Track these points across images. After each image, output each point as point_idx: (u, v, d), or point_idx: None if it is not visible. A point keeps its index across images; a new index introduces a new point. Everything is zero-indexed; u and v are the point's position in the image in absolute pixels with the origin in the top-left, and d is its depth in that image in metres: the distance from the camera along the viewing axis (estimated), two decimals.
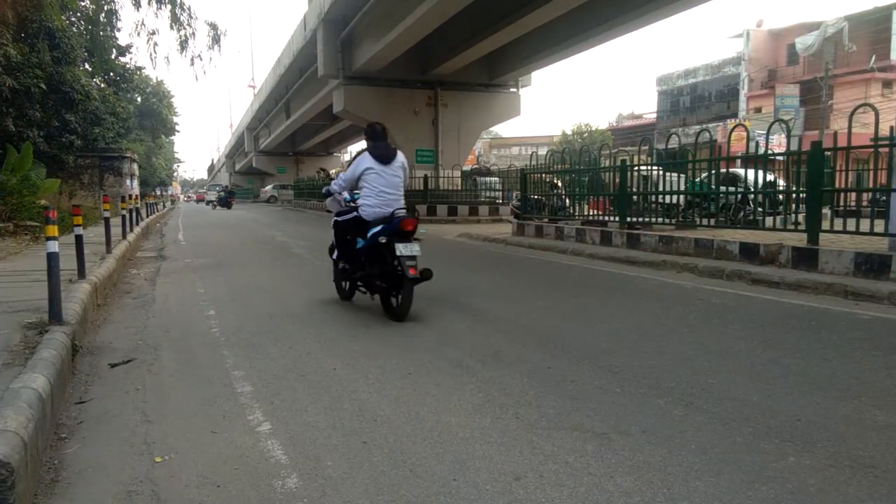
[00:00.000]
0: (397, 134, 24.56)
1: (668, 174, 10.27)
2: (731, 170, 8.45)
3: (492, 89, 25.28)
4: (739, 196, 9.61)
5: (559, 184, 12.85)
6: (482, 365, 3.81)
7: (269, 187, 52.36)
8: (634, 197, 10.29)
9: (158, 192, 46.96)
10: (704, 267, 7.36)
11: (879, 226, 6.81)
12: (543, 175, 13.07)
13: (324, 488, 2.33)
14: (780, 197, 8.97)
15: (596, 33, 18.41)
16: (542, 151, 14.98)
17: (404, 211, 5.35)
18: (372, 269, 5.29)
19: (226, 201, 35.67)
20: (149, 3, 13.61)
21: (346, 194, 5.75)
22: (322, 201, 5.99)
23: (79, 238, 6.39)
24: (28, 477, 2.21)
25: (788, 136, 8.10)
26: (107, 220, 9.19)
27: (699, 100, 37.90)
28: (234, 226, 20.10)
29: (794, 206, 8.10)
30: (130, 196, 17.81)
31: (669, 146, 13.50)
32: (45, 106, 16.56)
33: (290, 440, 2.76)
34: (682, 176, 10.23)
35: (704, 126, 19.80)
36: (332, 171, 37.02)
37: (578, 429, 2.82)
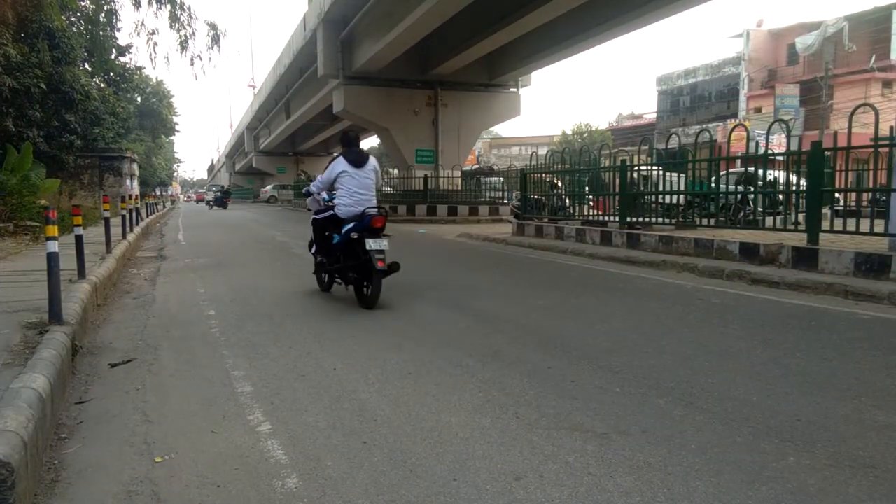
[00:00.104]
0: (397, 134, 24.58)
1: (668, 174, 10.27)
2: (748, 169, 8.38)
3: (492, 89, 25.27)
4: (740, 196, 9.62)
5: (559, 184, 12.85)
6: (482, 365, 3.81)
7: (269, 187, 52.40)
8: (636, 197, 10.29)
9: (158, 192, 46.99)
10: (704, 267, 7.36)
11: (879, 226, 6.80)
12: (543, 175, 13.07)
13: (324, 488, 2.33)
14: (780, 197, 8.97)
15: (596, 33, 18.41)
16: (542, 151, 14.98)
17: (375, 210, 5.86)
18: (346, 262, 5.87)
19: (221, 201, 36.86)
20: (149, 3, 13.61)
21: (324, 194, 6.24)
22: (304, 200, 6.86)
23: (79, 238, 6.39)
24: (28, 477, 2.21)
25: (788, 136, 8.10)
26: (107, 220, 9.19)
27: (699, 100, 37.90)
28: (234, 226, 20.10)
29: (794, 206, 8.09)
30: (130, 196, 17.82)
31: (669, 146, 13.50)
32: (45, 106, 16.56)
33: (290, 440, 2.76)
34: (682, 176, 10.23)
35: (704, 126, 19.80)
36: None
37: (578, 429, 2.82)
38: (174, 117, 52.25)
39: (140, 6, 13.69)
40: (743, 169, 8.66)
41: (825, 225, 7.06)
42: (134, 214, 14.21)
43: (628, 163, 10.29)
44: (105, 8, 15.04)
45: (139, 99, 44.79)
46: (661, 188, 10.18)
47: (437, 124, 24.74)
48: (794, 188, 7.70)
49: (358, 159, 6.04)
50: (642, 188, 10.33)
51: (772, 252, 7.19)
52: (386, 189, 27.83)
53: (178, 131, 56.22)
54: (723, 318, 5.01)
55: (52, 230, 4.37)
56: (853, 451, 2.52)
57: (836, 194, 8.32)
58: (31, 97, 15.22)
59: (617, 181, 10.23)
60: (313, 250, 6.60)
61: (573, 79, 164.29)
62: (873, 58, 29.84)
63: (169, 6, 13.57)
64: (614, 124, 54.99)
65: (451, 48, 20.88)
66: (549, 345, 4.25)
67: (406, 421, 2.95)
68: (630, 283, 6.92)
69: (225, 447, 2.71)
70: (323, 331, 4.85)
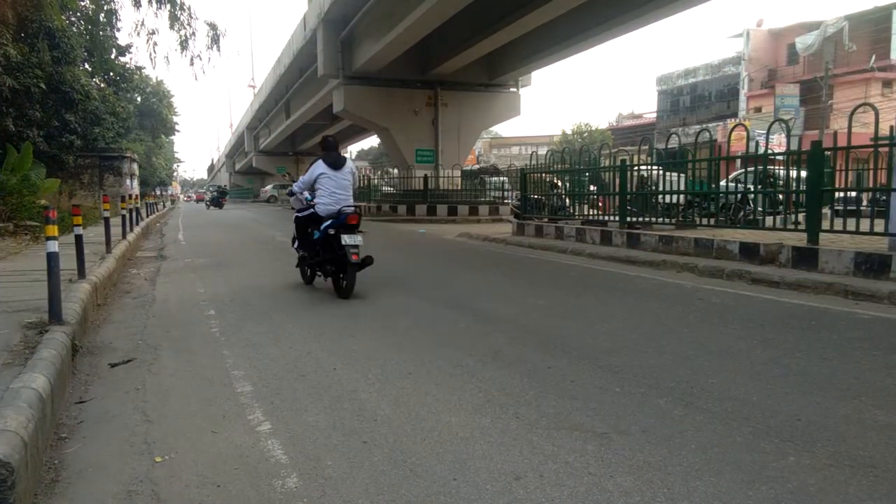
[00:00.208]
0: (397, 134, 24.57)
1: (668, 174, 10.26)
2: (767, 167, 8.30)
3: (492, 89, 25.27)
4: (739, 196, 9.62)
5: (559, 183, 12.85)
6: (482, 365, 3.81)
7: (268, 187, 52.45)
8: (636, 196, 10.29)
9: (158, 192, 46.99)
10: (704, 267, 7.36)
11: (879, 225, 6.80)
12: (543, 175, 13.07)
13: (324, 488, 2.33)
14: (780, 197, 8.97)
15: (596, 33, 18.41)
16: (542, 151, 14.98)
17: (351, 208, 6.37)
18: (324, 255, 6.40)
19: (217, 201, 37.59)
20: (149, 3, 13.60)
21: (306, 194, 6.72)
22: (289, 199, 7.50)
23: (79, 238, 6.39)
24: (28, 477, 2.21)
25: (788, 136, 8.10)
26: (107, 219, 9.19)
27: (699, 99, 37.90)
28: (234, 226, 20.10)
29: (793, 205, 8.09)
30: (130, 196, 17.81)
31: (669, 146, 13.50)
32: (45, 106, 16.55)
33: (290, 440, 2.76)
34: (682, 175, 10.23)
35: (704, 126, 19.80)
36: None
37: (578, 428, 2.82)
38: (174, 117, 52.26)
39: (140, 6, 13.69)
40: (761, 167, 8.54)
41: (825, 225, 7.06)
42: (134, 214, 14.21)
43: (628, 163, 10.29)
44: (105, 8, 15.04)
45: (139, 99, 44.78)
46: (661, 188, 10.18)
47: (437, 124, 24.74)
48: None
49: (336, 162, 6.55)
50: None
51: (772, 252, 7.19)
52: (386, 189, 27.86)
53: (178, 131, 56.27)
54: (723, 318, 5.01)
55: (52, 230, 4.37)
56: (853, 450, 2.52)
57: (838, 193, 8.31)
58: (31, 97, 15.22)
59: (617, 181, 10.22)
60: (296, 245, 7.15)
61: (573, 79, 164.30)
62: (873, 58, 29.85)
63: (169, 6, 13.57)
64: (614, 124, 55.00)
65: (451, 48, 20.88)
66: (549, 345, 4.25)
67: (406, 421, 2.95)
68: (630, 283, 6.92)
69: (225, 447, 2.71)
70: (323, 331, 4.85)
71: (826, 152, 7.29)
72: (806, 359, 3.81)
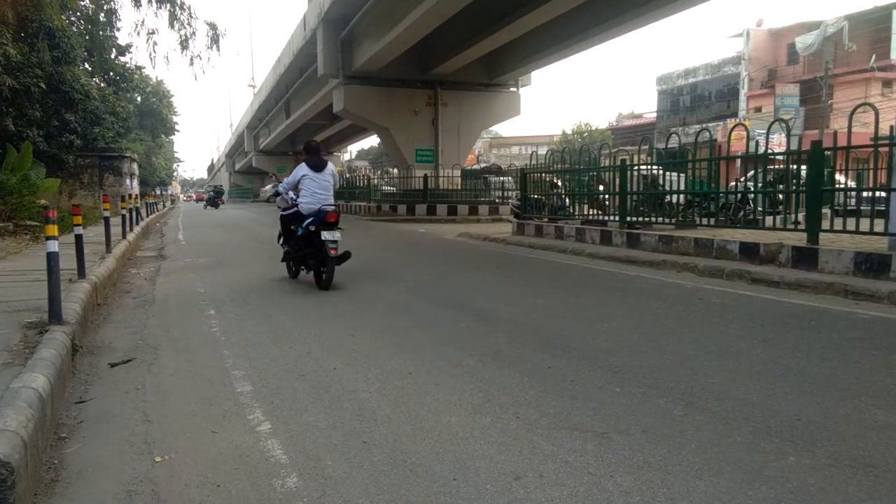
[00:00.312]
0: (397, 133, 24.57)
1: (668, 174, 10.26)
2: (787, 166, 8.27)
3: (492, 89, 25.27)
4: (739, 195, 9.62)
5: (559, 183, 12.85)
6: (482, 365, 3.81)
7: (268, 187, 52.48)
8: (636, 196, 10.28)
9: (158, 192, 46.99)
10: (704, 266, 7.36)
11: (879, 225, 6.80)
12: (543, 175, 13.07)
13: (324, 488, 2.33)
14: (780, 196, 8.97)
15: (595, 33, 18.40)
16: (542, 151, 14.98)
17: (331, 207, 6.89)
18: (306, 250, 6.92)
19: (213, 201, 38.40)
20: (148, 3, 13.61)
21: (291, 194, 7.19)
22: (275, 200, 8.10)
23: (78, 238, 6.39)
24: (28, 476, 2.21)
25: (788, 136, 8.09)
26: (106, 219, 9.19)
27: (699, 99, 37.89)
28: (234, 225, 20.10)
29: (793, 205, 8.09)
30: (130, 195, 17.81)
31: (669, 146, 13.50)
32: (45, 105, 16.55)
33: (289, 440, 2.76)
34: (682, 175, 10.22)
35: (704, 125, 19.80)
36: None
37: (578, 428, 2.81)
38: (174, 117, 52.28)
39: (140, 6, 13.70)
40: (781, 167, 8.47)
41: (825, 224, 7.06)
42: (134, 214, 14.21)
43: (628, 163, 10.28)
44: (105, 7, 15.03)
45: (139, 98, 44.80)
46: (661, 188, 10.18)
47: (437, 124, 24.74)
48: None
49: (318, 165, 7.04)
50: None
51: (772, 251, 7.19)
52: (386, 188, 27.85)
53: (177, 131, 56.34)
54: (723, 318, 5.01)
55: (52, 230, 4.37)
56: (853, 450, 2.52)
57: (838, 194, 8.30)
58: (31, 97, 15.22)
59: (617, 181, 10.22)
60: (281, 241, 7.66)
61: (573, 78, 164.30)
62: (873, 57, 29.84)
63: (168, 6, 13.58)
64: (614, 124, 54.99)
65: (451, 48, 20.88)
66: (548, 344, 4.25)
67: (406, 420, 2.95)
68: (630, 283, 6.92)
69: (225, 447, 2.71)
70: (323, 330, 4.85)
71: (826, 152, 7.28)
72: (806, 359, 3.81)
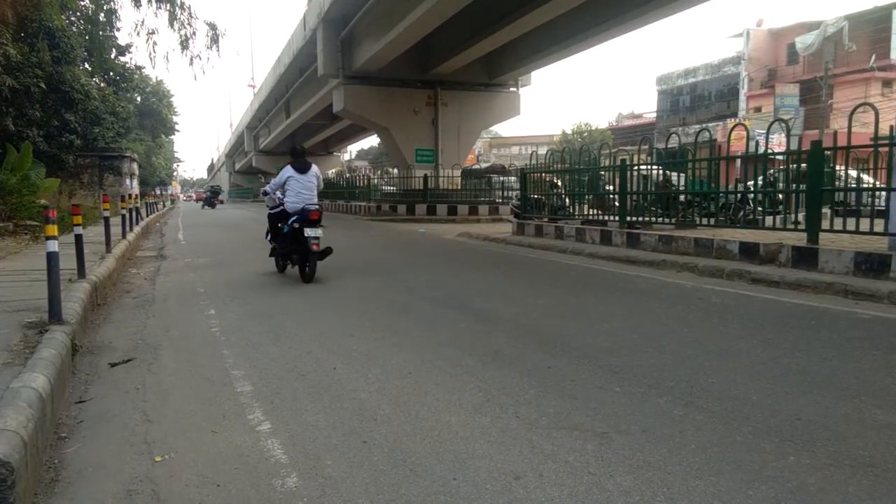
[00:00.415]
0: (397, 133, 24.57)
1: (667, 173, 10.26)
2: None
3: (492, 89, 25.27)
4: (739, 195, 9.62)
5: (559, 183, 12.85)
6: (482, 364, 3.81)
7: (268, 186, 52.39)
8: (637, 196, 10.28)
9: (158, 192, 47.00)
10: (704, 266, 7.36)
11: (879, 225, 6.81)
12: (543, 174, 13.07)
13: (324, 487, 2.33)
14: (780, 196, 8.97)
15: (595, 33, 18.41)
16: (542, 151, 14.98)
17: (314, 206, 7.41)
18: (291, 246, 7.41)
19: (210, 201, 39.21)
20: (148, 3, 13.61)
21: (278, 193, 7.75)
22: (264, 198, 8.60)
23: (78, 237, 6.39)
24: (28, 476, 2.21)
25: (788, 136, 8.09)
26: (106, 219, 9.19)
27: (699, 99, 37.89)
28: (234, 225, 20.10)
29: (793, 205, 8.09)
30: (130, 195, 17.81)
31: (669, 146, 13.49)
32: (45, 105, 16.55)
33: (289, 439, 2.76)
34: (682, 175, 10.22)
35: (704, 125, 19.80)
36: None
37: (578, 428, 2.82)
38: (174, 117, 52.28)
39: (140, 5, 13.70)
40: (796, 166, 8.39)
41: (825, 224, 7.06)
42: (134, 214, 14.21)
43: (628, 163, 10.28)
44: (105, 7, 15.03)
45: (139, 98, 44.80)
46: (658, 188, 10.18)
47: (436, 124, 24.75)
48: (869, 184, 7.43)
49: (302, 167, 7.58)
50: (642, 188, 10.29)
51: (771, 251, 7.19)
52: (386, 188, 27.85)
53: (177, 131, 56.35)
54: (723, 318, 5.01)
55: (52, 230, 4.38)
56: (853, 450, 2.52)
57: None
58: (31, 97, 15.22)
59: (617, 181, 10.22)
60: (269, 238, 8.17)
61: (573, 78, 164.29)
62: (873, 57, 29.84)
63: (168, 6, 13.57)
64: (614, 124, 54.99)
65: (451, 48, 20.88)
66: (548, 344, 4.25)
67: (406, 420, 2.95)
68: (630, 283, 6.92)
69: (225, 446, 2.71)
70: (323, 330, 4.85)
71: (826, 152, 7.28)
72: (806, 358, 3.81)
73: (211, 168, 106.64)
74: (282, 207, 7.63)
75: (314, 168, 7.76)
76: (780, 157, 9.51)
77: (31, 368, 3.01)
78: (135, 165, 28.68)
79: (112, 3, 14.74)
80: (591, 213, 11.45)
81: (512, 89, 25.68)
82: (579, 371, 3.64)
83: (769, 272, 6.68)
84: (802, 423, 2.81)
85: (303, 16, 25.42)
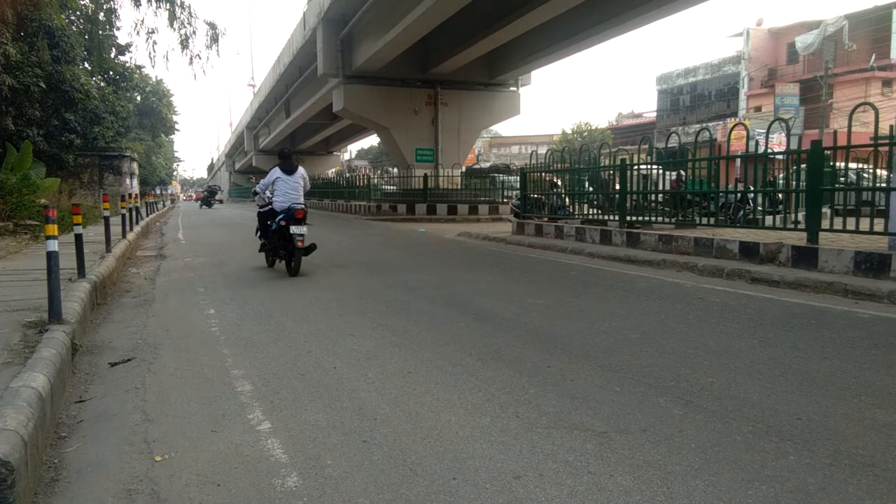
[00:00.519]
0: (397, 133, 24.57)
1: (667, 173, 10.26)
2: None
3: (492, 88, 25.27)
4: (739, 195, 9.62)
5: (559, 183, 12.85)
6: (482, 364, 3.81)
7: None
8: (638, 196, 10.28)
9: (158, 192, 46.99)
10: (704, 266, 7.36)
11: (879, 225, 6.81)
12: (543, 174, 13.07)
13: (323, 487, 2.33)
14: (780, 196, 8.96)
15: (595, 32, 18.40)
16: (542, 150, 14.98)
17: (300, 205, 7.92)
18: (278, 242, 7.93)
19: (207, 200, 39.73)
20: (148, 2, 13.58)
21: (267, 193, 8.23)
22: (254, 198, 9.08)
23: (78, 237, 6.38)
24: (28, 476, 2.21)
25: (788, 135, 8.09)
26: (106, 219, 9.19)
27: (699, 98, 37.89)
28: (234, 224, 20.10)
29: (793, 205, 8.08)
30: (130, 195, 17.81)
31: (669, 145, 13.48)
32: (45, 105, 16.55)
33: (289, 439, 2.76)
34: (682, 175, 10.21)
35: (704, 125, 19.79)
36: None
37: (578, 427, 2.82)
38: (174, 116, 52.25)
39: (140, 5, 13.68)
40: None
41: (825, 224, 7.06)
42: (134, 213, 14.21)
43: (628, 162, 10.28)
44: (104, 7, 15.02)
45: (139, 98, 44.80)
46: (661, 187, 10.19)
47: (437, 123, 24.75)
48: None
49: (289, 169, 8.08)
50: (642, 188, 10.27)
51: (771, 251, 7.19)
52: (386, 188, 27.85)
53: (177, 130, 56.28)
54: (722, 318, 5.01)
55: (52, 229, 4.37)
56: (853, 449, 2.52)
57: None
58: (31, 96, 15.21)
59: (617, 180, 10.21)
60: (258, 234, 8.71)
61: (573, 78, 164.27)
62: (873, 57, 29.84)
63: (168, 5, 13.56)
64: (614, 123, 55.02)
65: (451, 47, 20.87)
66: (548, 344, 4.25)
67: (406, 420, 2.95)
68: (630, 282, 6.92)
69: (225, 446, 2.71)
70: (323, 330, 4.85)
71: (826, 151, 7.28)
72: (806, 358, 3.81)
73: (211, 168, 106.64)
74: (270, 206, 8.08)
75: (300, 170, 8.22)
76: (780, 157, 9.51)
77: (31, 368, 3.01)
78: (135, 165, 28.68)
79: (112, 3, 14.73)
80: (591, 212, 11.45)
81: (512, 89, 25.68)
82: (579, 371, 3.64)
83: (769, 272, 6.69)
84: (802, 422, 2.81)
85: (303, 15, 25.41)
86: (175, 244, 12.85)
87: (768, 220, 8.48)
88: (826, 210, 7.45)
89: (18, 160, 13.79)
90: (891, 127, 6.39)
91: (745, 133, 12.96)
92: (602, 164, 11.74)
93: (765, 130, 19.07)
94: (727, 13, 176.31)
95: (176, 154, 77.91)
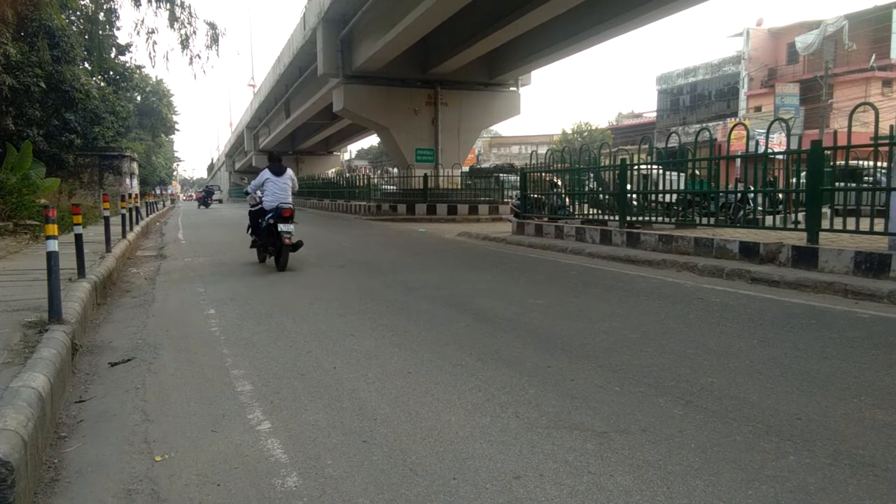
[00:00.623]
0: (397, 133, 24.56)
1: (667, 173, 10.26)
2: (851, 161, 8.05)
3: (492, 88, 25.26)
4: (739, 195, 9.62)
5: (559, 183, 12.85)
6: (482, 364, 3.81)
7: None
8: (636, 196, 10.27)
9: (158, 192, 46.99)
10: (704, 266, 7.36)
11: (879, 225, 6.80)
12: (543, 174, 13.07)
13: (323, 487, 2.33)
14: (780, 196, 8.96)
15: (595, 32, 18.40)
16: (542, 150, 14.98)
17: (287, 204, 8.41)
18: (268, 239, 8.43)
19: (204, 200, 40.16)
20: (148, 2, 13.58)
21: (258, 193, 8.71)
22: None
23: (78, 237, 6.38)
24: (28, 476, 2.21)
25: (788, 135, 8.09)
26: (106, 219, 9.19)
27: (699, 98, 37.89)
28: (234, 224, 20.08)
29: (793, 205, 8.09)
30: (130, 195, 17.80)
31: (669, 145, 13.48)
32: (45, 105, 16.55)
33: (289, 439, 2.76)
34: (682, 175, 10.22)
35: (704, 125, 19.79)
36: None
37: (578, 427, 2.81)
38: (174, 116, 52.27)
39: (140, 5, 13.67)
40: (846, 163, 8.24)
41: (825, 224, 7.06)
42: (134, 213, 14.21)
43: (628, 162, 10.28)
44: (105, 7, 15.02)
45: (139, 98, 44.80)
46: (661, 187, 10.19)
47: (437, 123, 24.74)
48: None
49: (278, 171, 8.64)
50: (642, 187, 10.26)
51: (771, 251, 7.19)
52: (386, 188, 27.87)
53: (177, 130, 56.30)
54: (722, 317, 5.01)
55: (52, 229, 4.37)
56: (853, 449, 2.52)
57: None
58: (31, 96, 15.22)
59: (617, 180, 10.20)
60: (249, 231, 9.24)
61: (573, 78, 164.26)
62: (873, 57, 29.84)
63: (168, 5, 13.56)
64: (614, 123, 55.02)
65: (451, 47, 20.88)
66: (548, 344, 4.25)
67: (406, 420, 2.95)
68: (630, 282, 6.92)
69: (225, 446, 2.71)
70: (323, 330, 4.85)
71: (826, 151, 7.28)
72: (806, 358, 3.81)
73: (211, 168, 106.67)
74: (260, 205, 8.59)
75: (289, 171, 8.80)
76: (780, 157, 9.51)
77: (30, 368, 3.01)
78: (135, 165, 28.68)
79: (112, 3, 14.74)
80: (591, 212, 11.45)
81: (512, 89, 25.68)
82: (579, 370, 3.64)
83: (769, 272, 6.68)
84: (802, 422, 2.81)
85: (302, 15, 25.41)
86: (175, 244, 12.85)
87: (768, 220, 8.48)
88: (826, 210, 7.45)
89: (18, 160, 13.79)
90: (891, 127, 6.39)
91: (745, 133, 12.95)
92: (602, 165, 11.74)
93: (765, 130, 19.08)
94: (727, 13, 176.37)
95: (176, 154, 77.99)
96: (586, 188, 11.94)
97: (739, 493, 2.20)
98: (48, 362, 3.15)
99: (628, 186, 10.07)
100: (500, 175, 24.33)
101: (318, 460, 2.55)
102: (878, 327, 4.61)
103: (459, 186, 23.44)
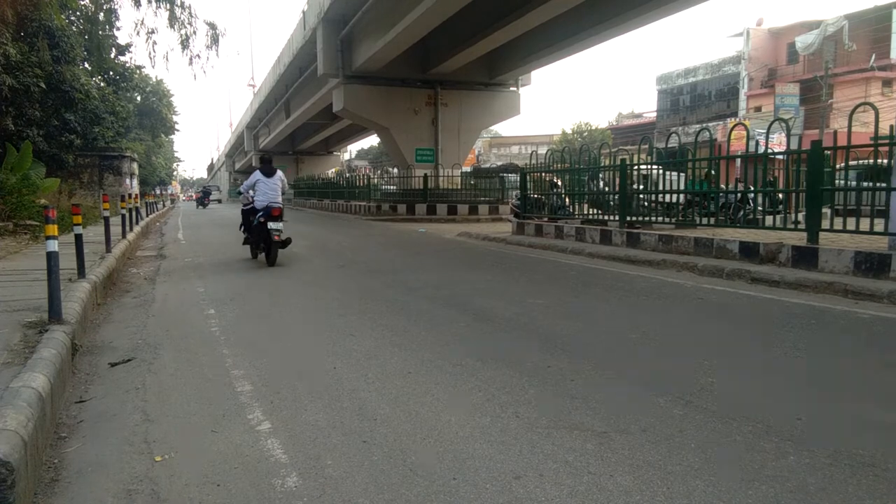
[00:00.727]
0: (397, 133, 24.57)
1: (667, 173, 10.25)
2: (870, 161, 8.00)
3: (492, 88, 25.27)
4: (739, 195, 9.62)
5: (559, 183, 12.85)
6: (482, 364, 3.81)
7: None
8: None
9: (158, 192, 47.01)
10: (704, 266, 7.36)
11: (879, 225, 6.80)
12: (543, 174, 13.07)
13: (323, 487, 2.33)
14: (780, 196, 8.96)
15: (595, 32, 18.41)
16: (542, 150, 14.98)
17: (277, 204, 8.92)
18: (259, 236, 8.95)
19: (201, 201, 40.68)
20: (148, 2, 13.59)
21: (250, 192, 9.27)
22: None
23: (78, 237, 6.38)
24: (28, 476, 2.21)
25: (788, 135, 8.09)
26: (106, 219, 9.18)
27: (699, 99, 37.88)
28: (234, 225, 20.02)
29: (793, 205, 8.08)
30: (130, 195, 17.80)
31: (669, 145, 13.48)
32: (45, 105, 16.56)
33: (289, 439, 2.76)
34: (682, 175, 10.22)
35: (704, 125, 19.79)
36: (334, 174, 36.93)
37: (578, 427, 2.82)
38: (174, 116, 52.27)
39: (140, 5, 13.68)
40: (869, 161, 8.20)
41: (825, 224, 7.06)
42: (133, 214, 14.21)
43: (628, 162, 10.28)
44: (104, 7, 15.03)
45: (139, 98, 44.80)
46: (660, 187, 10.19)
47: (437, 123, 24.75)
48: None
49: (269, 172, 9.13)
50: (642, 188, 10.27)
51: (771, 251, 7.19)
52: (386, 188, 27.88)
53: (177, 130, 56.30)
54: (722, 318, 5.01)
55: (52, 229, 4.37)
56: (853, 449, 2.52)
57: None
58: (31, 96, 15.22)
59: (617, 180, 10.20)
60: (242, 229, 9.90)
61: (573, 78, 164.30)
62: (873, 57, 29.85)
63: (168, 5, 13.56)
64: (614, 123, 55.01)
65: (451, 47, 20.88)
66: (548, 344, 4.25)
67: (406, 420, 2.95)
68: (630, 282, 6.92)
69: (225, 446, 2.71)
70: (323, 330, 4.85)
71: (826, 151, 7.28)
72: (805, 358, 3.81)
73: (211, 168, 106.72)
74: (252, 204, 9.14)
75: (279, 173, 9.31)
76: (780, 157, 9.51)
77: (31, 368, 3.01)
78: (135, 165, 28.69)
79: (112, 3, 14.74)
80: (591, 212, 11.45)
81: (512, 89, 25.68)
82: (579, 371, 3.64)
83: (769, 272, 6.69)
84: (802, 422, 2.81)
85: (302, 15, 25.42)
86: (175, 244, 12.86)
87: (768, 220, 8.48)
88: (826, 210, 7.45)
89: (18, 160, 13.79)
90: (891, 127, 6.39)
91: (745, 133, 12.95)
92: (602, 165, 11.74)
93: (765, 130, 19.08)
94: (727, 13, 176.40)
95: (176, 154, 78.00)
96: (586, 188, 11.94)
97: (739, 493, 2.20)
98: (48, 362, 3.15)
99: (628, 186, 10.07)
100: (505, 175, 24.31)
101: (318, 460, 2.55)
102: (878, 327, 4.61)
103: (459, 187, 23.44)
